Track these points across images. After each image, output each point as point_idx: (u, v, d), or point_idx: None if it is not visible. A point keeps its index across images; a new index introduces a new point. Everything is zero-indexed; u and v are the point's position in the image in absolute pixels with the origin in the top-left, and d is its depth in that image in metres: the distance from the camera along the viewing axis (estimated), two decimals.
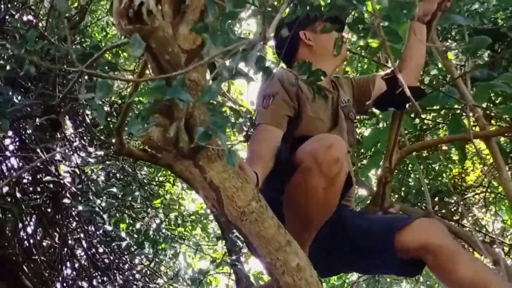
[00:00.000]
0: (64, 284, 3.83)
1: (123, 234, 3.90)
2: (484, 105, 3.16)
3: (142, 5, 1.17)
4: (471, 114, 2.77)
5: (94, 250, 4.20)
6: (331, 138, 2.02)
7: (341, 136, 2.31)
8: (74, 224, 4.14)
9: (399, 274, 2.40)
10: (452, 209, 4.45)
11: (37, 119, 3.06)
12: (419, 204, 4.12)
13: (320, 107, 2.38)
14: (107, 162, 3.93)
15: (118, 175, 4.50)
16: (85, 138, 4.10)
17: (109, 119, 4.45)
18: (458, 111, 3.39)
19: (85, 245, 4.09)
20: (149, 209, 4.56)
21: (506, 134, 3.47)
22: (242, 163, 1.65)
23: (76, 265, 4.09)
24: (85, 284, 4.10)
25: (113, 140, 4.22)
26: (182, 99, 1.03)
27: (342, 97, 2.49)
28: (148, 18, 1.17)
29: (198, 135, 1.20)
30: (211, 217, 5.29)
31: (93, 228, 4.17)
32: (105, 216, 3.66)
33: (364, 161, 4.21)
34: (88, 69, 1.30)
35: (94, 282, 3.95)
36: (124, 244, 3.73)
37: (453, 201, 4.37)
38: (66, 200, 3.25)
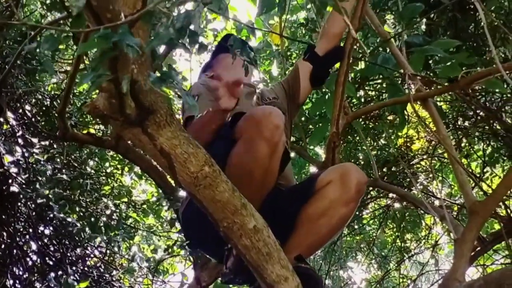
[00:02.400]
0: (16, 282, 3.73)
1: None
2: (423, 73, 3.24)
3: None
4: (410, 82, 2.83)
5: (45, 248, 4.09)
6: (270, 108, 2.11)
7: None
8: (22, 223, 4.03)
9: None
10: (400, 178, 4.55)
11: None
12: (368, 175, 4.19)
13: (248, 104, 2.50)
14: (52, 151, 3.82)
15: (64, 170, 4.39)
16: (26, 132, 3.97)
17: (50, 114, 4.34)
18: (398, 79, 3.46)
19: (34, 245, 3.98)
20: (98, 201, 4.46)
21: (445, 93, 3.59)
22: None
23: (30, 263, 3.99)
24: (38, 283, 4.00)
25: (57, 133, 4.11)
26: (129, 44, 1.00)
27: (266, 95, 2.68)
28: None
29: (151, 79, 1.17)
30: (164, 203, 5.24)
31: (42, 227, 4.08)
32: (55, 206, 3.56)
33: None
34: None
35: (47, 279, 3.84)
36: (75, 230, 3.64)
37: (400, 169, 4.46)
38: (14, 189, 3.16)
